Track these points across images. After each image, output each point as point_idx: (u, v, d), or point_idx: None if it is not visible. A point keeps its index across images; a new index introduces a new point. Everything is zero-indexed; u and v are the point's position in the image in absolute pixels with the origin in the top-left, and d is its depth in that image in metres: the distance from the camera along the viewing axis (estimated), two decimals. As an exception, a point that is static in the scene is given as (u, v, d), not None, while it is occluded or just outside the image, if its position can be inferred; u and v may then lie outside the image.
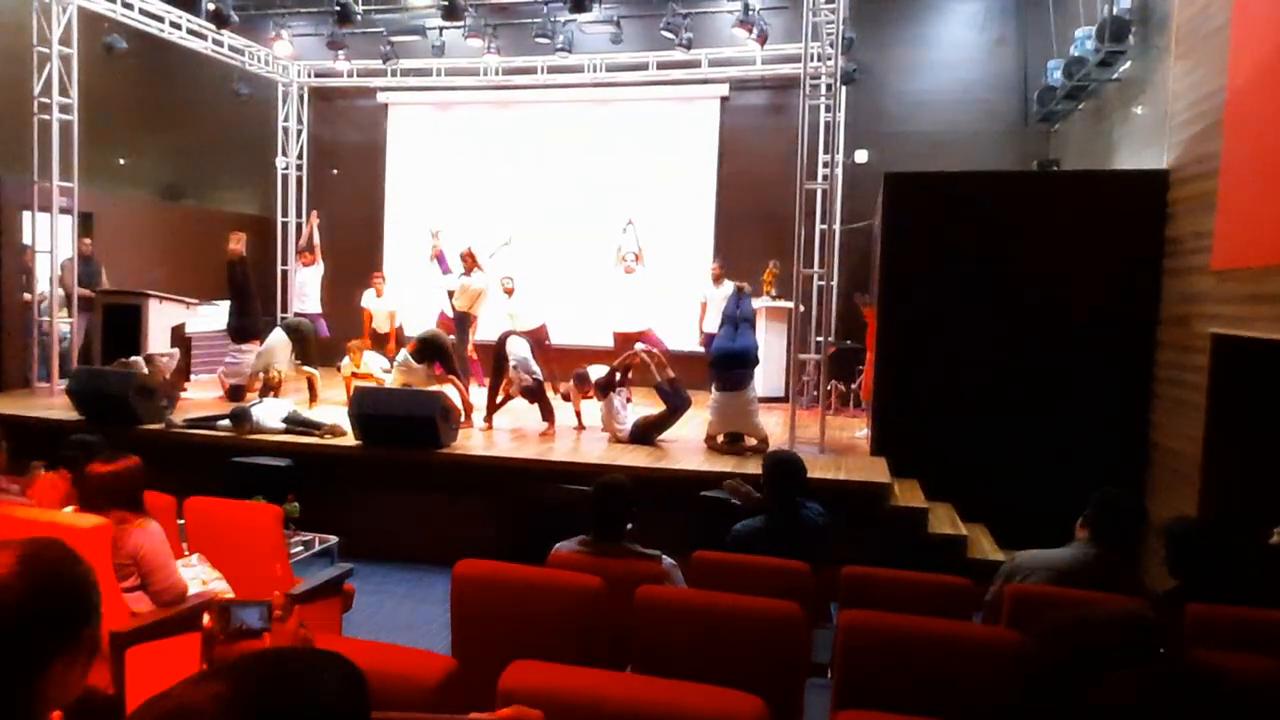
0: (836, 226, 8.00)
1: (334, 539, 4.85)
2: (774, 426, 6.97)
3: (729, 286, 7.89)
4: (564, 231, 10.88)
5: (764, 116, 10.52)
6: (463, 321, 8.92)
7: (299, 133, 11.69)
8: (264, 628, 1.82)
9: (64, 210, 8.30)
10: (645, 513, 3.31)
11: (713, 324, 8.30)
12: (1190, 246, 5.32)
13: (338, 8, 9.42)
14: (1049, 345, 5.97)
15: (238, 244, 8.21)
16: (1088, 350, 5.91)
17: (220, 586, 3.42)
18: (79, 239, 8.80)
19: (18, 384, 8.44)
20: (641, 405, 7.05)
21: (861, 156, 10.06)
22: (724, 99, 10.66)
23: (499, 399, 7.06)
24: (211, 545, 3.68)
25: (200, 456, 6.09)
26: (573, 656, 2.30)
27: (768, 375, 8.48)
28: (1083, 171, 7.56)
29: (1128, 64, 6.71)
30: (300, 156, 11.71)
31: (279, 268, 11.43)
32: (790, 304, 7.66)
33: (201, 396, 8.11)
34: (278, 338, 7.86)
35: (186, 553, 3.63)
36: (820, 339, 7.57)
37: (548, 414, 6.91)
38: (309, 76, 11.69)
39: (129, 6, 9.03)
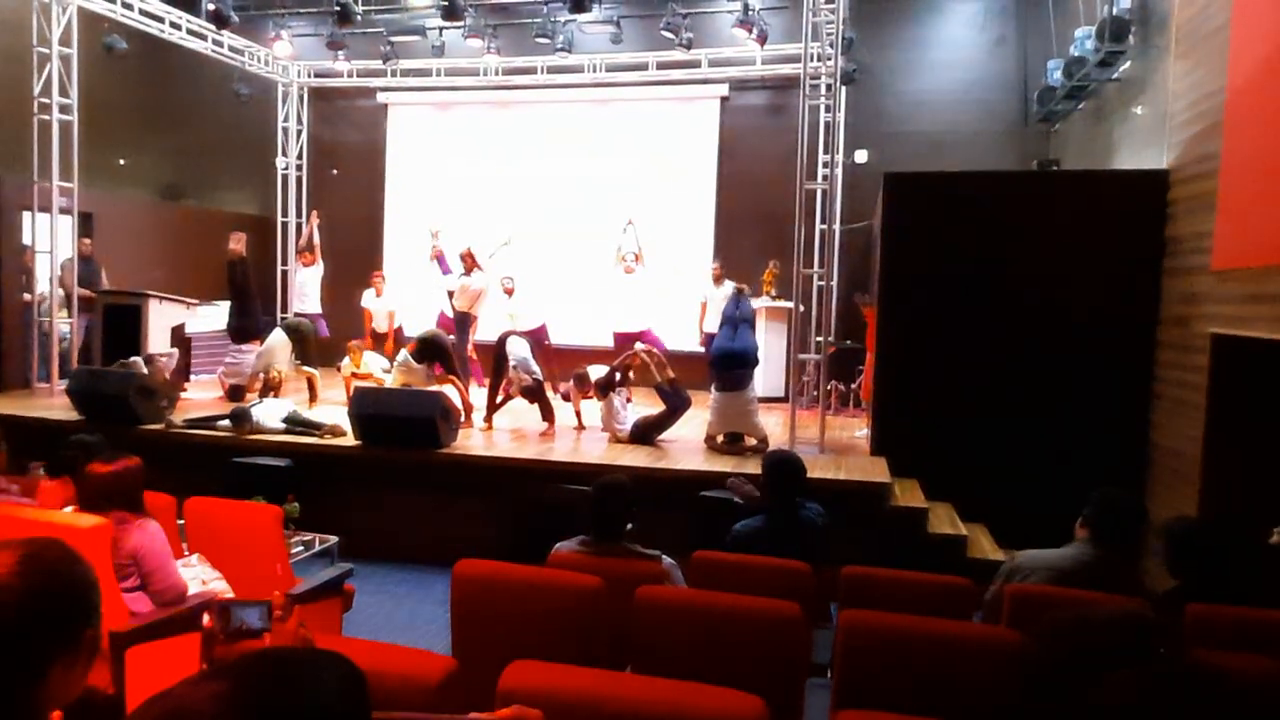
0: (836, 226, 7.99)
1: (334, 539, 4.86)
2: (774, 426, 6.97)
3: (729, 286, 7.91)
4: (564, 231, 10.87)
5: (764, 116, 10.51)
6: (463, 322, 8.92)
7: (299, 133, 11.70)
8: (264, 628, 1.81)
9: (64, 210, 8.30)
10: (645, 513, 3.31)
11: (713, 324, 8.29)
12: (1190, 246, 5.32)
13: (337, 8, 9.42)
14: (1049, 345, 5.98)
15: (238, 244, 8.23)
16: (1088, 350, 5.91)
17: (220, 586, 3.42)
18: (79, 239, 8.79)
19: (18, 384, 8.43)
20: (641, 405, 7.05)
21: (861, 156, 10.05)
22: (724, 99, 10.66)
23: (499, 399, 7.06)
24: (211, 545, 3.68)
25: (200, 456, 6.10)
26: (572, 656, 2.29)
27: (768, 375, 8.47)
28: (1083, 171, 7.56)
29: (1128, 64, 6.70)
30: (300, 157, 11.72)
31: (279, 268, 11.44)
32: (790, 304, 7.66)
33: (201, 397, 8.11)
34: (278, 338, 7.86)
35: (186, 553, 3.63)
36: (820, 339, 7.55)
37: (548, 414, 6.91)
38: (309, 77, 11.69)
39: (129, 7, 9.03)
